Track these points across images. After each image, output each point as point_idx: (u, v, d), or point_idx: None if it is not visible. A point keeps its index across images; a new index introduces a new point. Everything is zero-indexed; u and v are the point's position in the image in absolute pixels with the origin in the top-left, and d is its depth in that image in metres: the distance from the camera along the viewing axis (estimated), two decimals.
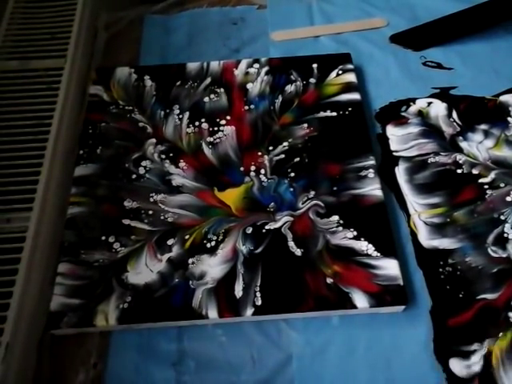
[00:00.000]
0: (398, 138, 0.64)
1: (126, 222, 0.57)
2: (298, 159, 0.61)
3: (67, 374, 0.50)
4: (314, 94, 0.67)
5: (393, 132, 0.65)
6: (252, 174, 0.60)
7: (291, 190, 0.59)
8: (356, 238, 0.55)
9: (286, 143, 0.63)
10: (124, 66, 0.70)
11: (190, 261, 0.54)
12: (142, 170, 0.60)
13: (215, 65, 0.70)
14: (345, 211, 0.57)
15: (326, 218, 0.57)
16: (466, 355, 0.50)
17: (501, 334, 0.51)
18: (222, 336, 0.52)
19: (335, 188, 0.59)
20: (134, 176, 0.60)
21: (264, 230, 0.56)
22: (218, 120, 0.65)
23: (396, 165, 0.62)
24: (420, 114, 0.66)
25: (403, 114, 0.67)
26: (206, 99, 0.67)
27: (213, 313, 0.51)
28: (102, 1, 0.77)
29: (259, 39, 0.77)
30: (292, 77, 0.68)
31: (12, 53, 0.64)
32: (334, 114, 0.65)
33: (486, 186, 0.60)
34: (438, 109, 0.67)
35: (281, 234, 0.56)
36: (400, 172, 0.62)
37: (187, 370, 0.50)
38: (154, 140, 0.63)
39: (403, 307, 0.52)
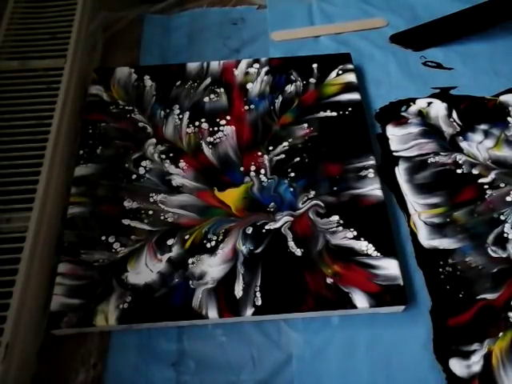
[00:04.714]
0: (398, 137, 0.64)
1: (126, 222, 0.57)
2: (298, 159, 0.61)
3: (67, 374, 0.50)
4: (314, 94, 0.67)
5: (393, 132, 0.65)
6: (252, 173, 0.60)
7: (291, 189, 0.59)
8: (356, 238, 0.55)
9: (285, 143, 0.63)
10: (124, 66, 0.70)
11: (190, 261, 0.54)
12: (142, 170, 0.60)
13: (215, 65, 0.70)
14: (345, 211, 0.57)
15: (326, 218, 0.57)
16: (466, 355, 0.50)
17: (501, 333, 0.51)
18: (222, 336, 0.52)
19: (335, 188, 0.59)
20: (134, 176, 0.60)
21: (264, 230, 0.56)
22: (218, 120, 0.65)
23: (396, 165, 0.62)
24: (420, 114, 0.66)
25: (403, 113, 0.67)
26: (206, 99, 0.67)
27: (213, 313, 0.51)
28: (102, 1, 0.77)
29: (259, 39, 0.77)
30: (292, 77, 0.68)
31: (12, 53, 0.64)
32: (334, 114, 0.65)
33: (486, 186, 0.60)
34: (437, 109, 0.67)
35: (281, 234, 0.56)
36: (400, 172, 0.62)
37: (187, 370, 0.50)
38: (153, 140, 0.63)
39: (403, 307, 0.52)
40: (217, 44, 0.76)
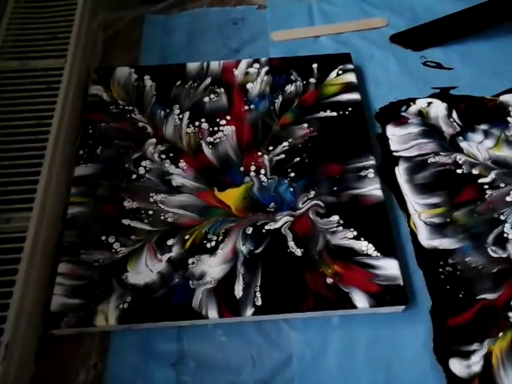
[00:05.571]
0: (398, 137, 0.64)
1: (126, 222, 0.57)
2: (298, 159, 0.61)
3: (67, 375, 0.50)
4: (314, 94, 0.67)
5: (393, 132, 0.65)
6: (252, 173, 0.60)
7: (291, 190, 0.59)
8: (356, 237, 0.55)
9: (286, 143, 0.63)
10: (124, 66, 0.70)
11: (190, 261, 0.54)
12: (142, 170, 0.60)
13: (215, 65, 0.70)
14: (345, 211, 0.57)
15: (326, 218, 0.57)
16: (466, 355, 0.50)
17: (501, 333, 0.51)
18: (222, 336, 0.52)
19: (335, 188, 0.59)
20: (134, 176, 0.60)
21: (264, 230, 0.56)
22: (218, 120, 0.65)
23: (396, 165, 0.62)
24: (420, 114, 0.66)
25: (403, 114, 0.67)
26: (206, 99, 0.67)
27: (213, 313, 0.51)
28: (102, 1, 0.77)
29: (259, 39, 0.77)
30: (292, 77, 0.68)
31: (12, 53, 0.64)
32: (334, 114, 0.65)
33: (486, 186, 0.60)
34: (437, 109, 0.67)
35: (281, 234, 0.56)
36: (400, 172, 0.62)
37: (187, 370, 0.50)
38: (154, 140, 0.63)
39: (403, 307, 0.52)
40: (217, 44, 0.76)
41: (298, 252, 0.54)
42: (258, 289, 0.52)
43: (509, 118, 0.65)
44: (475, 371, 0.49)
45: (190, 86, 0.68)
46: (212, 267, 0.54)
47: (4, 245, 0.51)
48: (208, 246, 0.55)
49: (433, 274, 0.55)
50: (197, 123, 0.65)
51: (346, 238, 0.55)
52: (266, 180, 0.60)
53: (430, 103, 0.67)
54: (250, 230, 0.56)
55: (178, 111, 0.66)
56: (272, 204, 0.58)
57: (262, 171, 0.60)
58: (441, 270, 0.54)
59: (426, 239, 0.57)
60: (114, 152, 0.62)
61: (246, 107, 0.66)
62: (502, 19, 0.74)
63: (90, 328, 0.51)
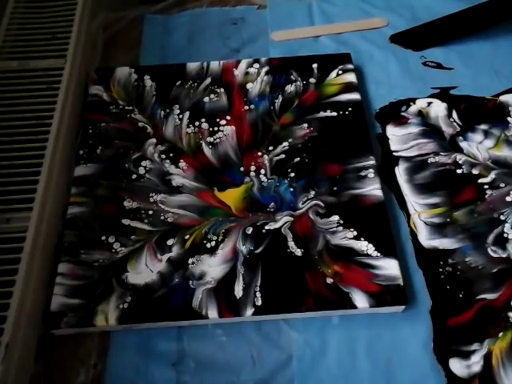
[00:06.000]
0: (398, 138, 0.64)
1: (126, 222, 0.57)
2: (298, 159, 0.61)
3: (67, 375, 0.50)
4: (314, 94, 0.67)
5: (393, 132, 0.65)
6: (252, 174, 0.60)
7: (291, 190, 0.59)
8: (356, 237, 0.55)
9: (286, 143, 0.63)
10: (124, 66, 0.70)
11: (190, 261, 0.54)
12: (142, 170, 0.60)
13: (215, 65, 0.70)
14: (345, 211, 0.57)
15: (326, 218, 0.57)
16: (466, 355, 0.50)
17: (501, 333, 0.51)
18: (222, 336, 0.52)
19: (335, 188, 0.59)
20: (134, 176, 0.60)
21: (264, 230, 0.56)
22: (218, 120, 0.65)
23: (396, 165, 0.62)
24: (420, 114, 0.66)
25: (403, 114, 0.67)
26: (206, 99, 0.67)
27: (213, 313, 0.51)
28: (102, 1, 0.77)
29: (259, 39, 0.77)
30: (292, 77, 0.68)
31: (12, 53, 0.64)
32: (334, 114, 0.65)
33: (486, 186, 0.60)
34: (437, 109, 0.67)
35: (281, 234, 0.56)
36: (400, 172, 0.62)
37: (187, 370, 0.50)
38: (154, 140, 0.63)
39: (403, 307, 0.52)
40: (217, 44, 0.76)
41: (298, 252, 0.54)
42: (258, 289, 0.52)
43: (509, 118, 0.65)
44: (475, 371, 0.49)
45: (190, 86, 0.68)
46: (212, 267, 0.54)
47: (4, 245, 0.51)
48: (208, 246, 0.55)
49: (433, 273, 0.55)
50: (197, 123, 0.65)
51: (346, 238, 0.55)
52: (265, 180, 0.60)
53: (430, 103, 0.67)
54: (249, 230, 0.56)
55: (178, 111, 0.66)
56: (272, 204, 0.58)
57: (262, 171, 0.60)
58: (441, 269, 0.54)
59: (426, 239, 0.57)
60: (114, 152, 0.62)
61: (246, 107, 0.66)
62: (502, 19, 0.75)
63: (90, 328, 0.51)
